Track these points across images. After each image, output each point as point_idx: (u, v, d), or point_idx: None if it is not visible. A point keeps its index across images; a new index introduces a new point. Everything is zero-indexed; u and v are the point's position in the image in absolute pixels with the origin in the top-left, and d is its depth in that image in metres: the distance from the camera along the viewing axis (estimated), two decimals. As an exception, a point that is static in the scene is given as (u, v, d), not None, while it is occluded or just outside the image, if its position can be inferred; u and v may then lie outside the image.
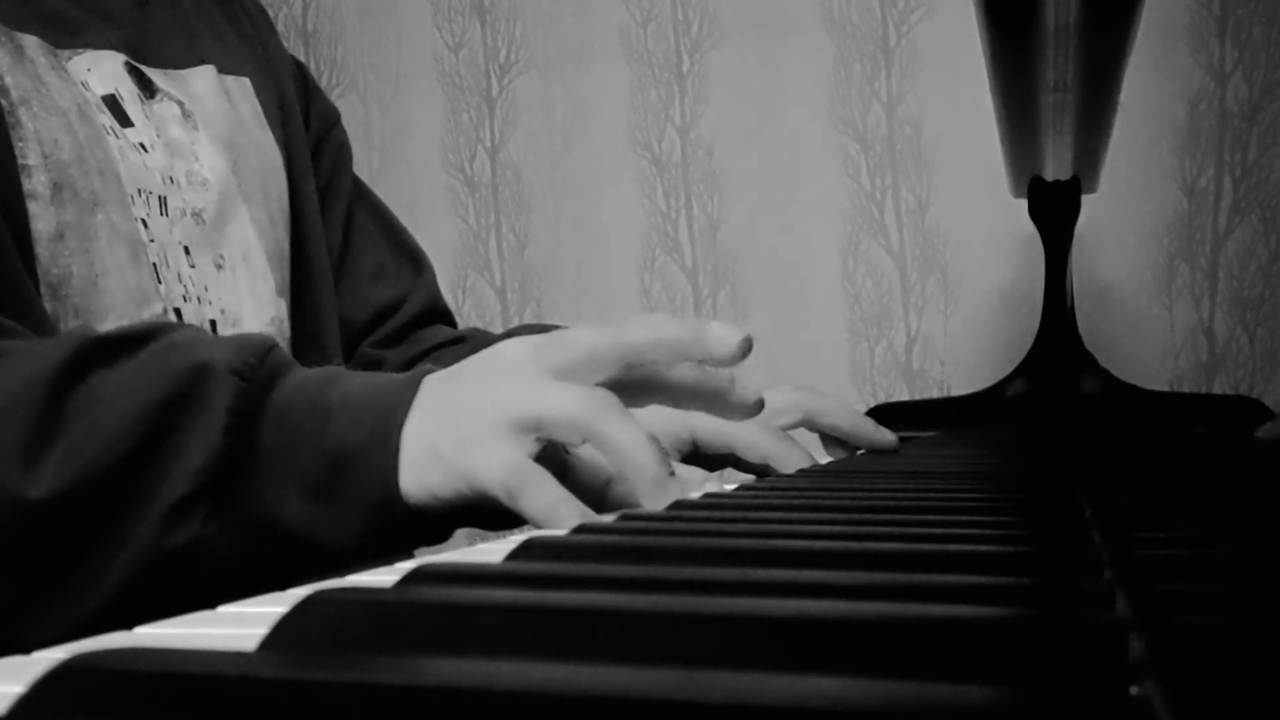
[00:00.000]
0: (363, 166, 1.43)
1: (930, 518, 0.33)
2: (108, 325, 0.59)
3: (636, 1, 1.33)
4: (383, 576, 0.27)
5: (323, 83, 1.45)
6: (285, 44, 1.45)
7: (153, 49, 0.69)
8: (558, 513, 0.41)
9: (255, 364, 0.45)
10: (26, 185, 0.57)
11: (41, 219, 0.58)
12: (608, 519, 0.36)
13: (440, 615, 0.19)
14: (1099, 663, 0.16)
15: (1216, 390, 1.15)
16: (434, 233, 1.42)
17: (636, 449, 0.42)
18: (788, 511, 0.37)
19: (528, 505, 0.42)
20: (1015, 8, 0.62)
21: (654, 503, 0.42)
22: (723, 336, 0.46)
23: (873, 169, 1.25)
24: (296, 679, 0.14)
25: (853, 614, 0.17)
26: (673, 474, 0.43)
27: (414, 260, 0.88)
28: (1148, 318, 1.17)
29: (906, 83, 1.24)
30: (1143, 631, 0.16)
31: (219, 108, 0.72)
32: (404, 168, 1.43)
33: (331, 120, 0.86)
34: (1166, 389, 1.12)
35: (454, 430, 0.44)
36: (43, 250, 0.58)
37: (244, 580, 0.45)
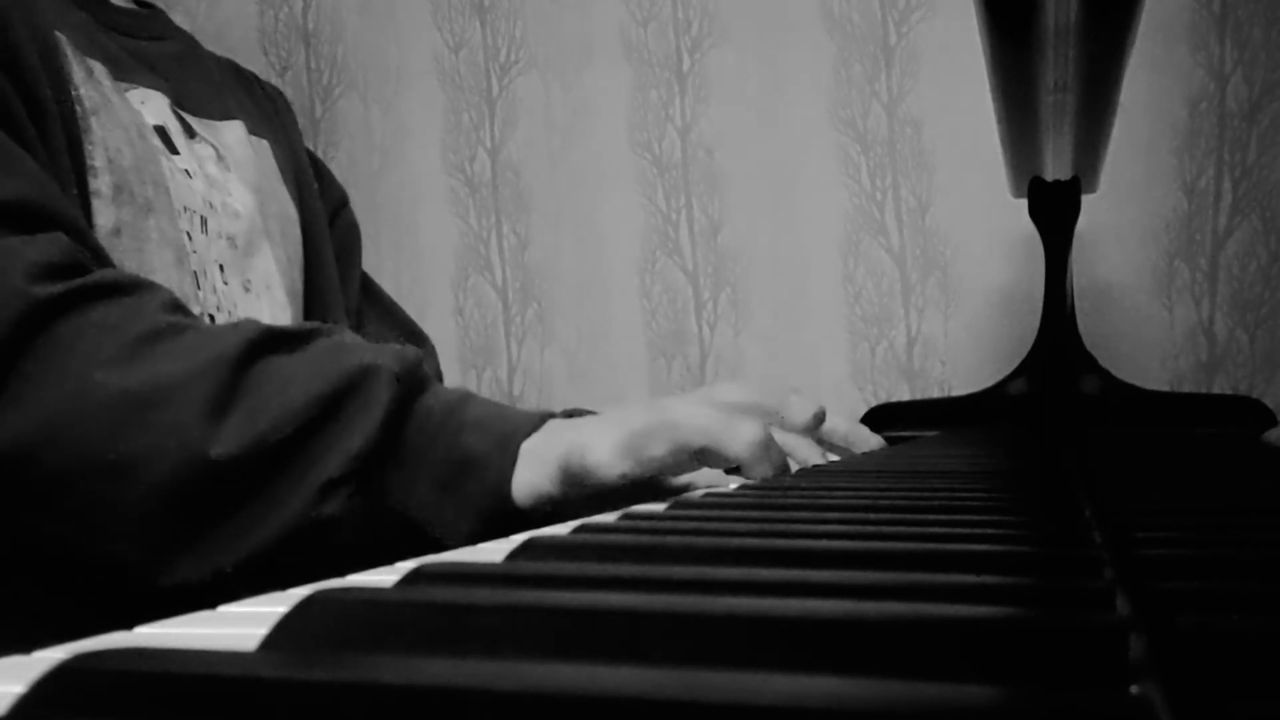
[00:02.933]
0: (363, 167, 1.44)
1: (931, 517, 0.33)
2: None
3: (636, 1, 1.33)
4: (383, 576, 0.27)
5: (323, 82, 1.45)
6: (285, 44, 1.45)
7: (190, 100, 0.76)
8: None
9: (409, 373, 0.53)
10: (92, 184, 0.63)
11: (103, 215, 0.63)
12: (609, 518, 0.36)
13: (440, 615, 0.19)
14: (1099, 663, 0.16)
15: (1216, 390, 1.15)
16: (434, 233, 1.42)
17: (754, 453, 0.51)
18: (788, 511, 0.37)
19: (655, 450, 0.50)
20: (1015, 8, 0.62)
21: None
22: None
23: (873, 169, 1.25)
24: (297, 679, 0.14)
25: (853, 614, 0.17)
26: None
27: (416, 336, 0.93)
28: (1148, 318, 1.17)
29: (907, 83, 1.24)
30: (1143, 632, 0.16)
31: (246, 157, 0.78)
32: (404, 168, 1.43)
33: (342, 201, 0.94)
34: (1166, 389, 1.12)
35: (571, 442, 0.51)
36: (102, 243, 0.62)
37: (361, 557, 0.52)
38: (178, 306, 0.55)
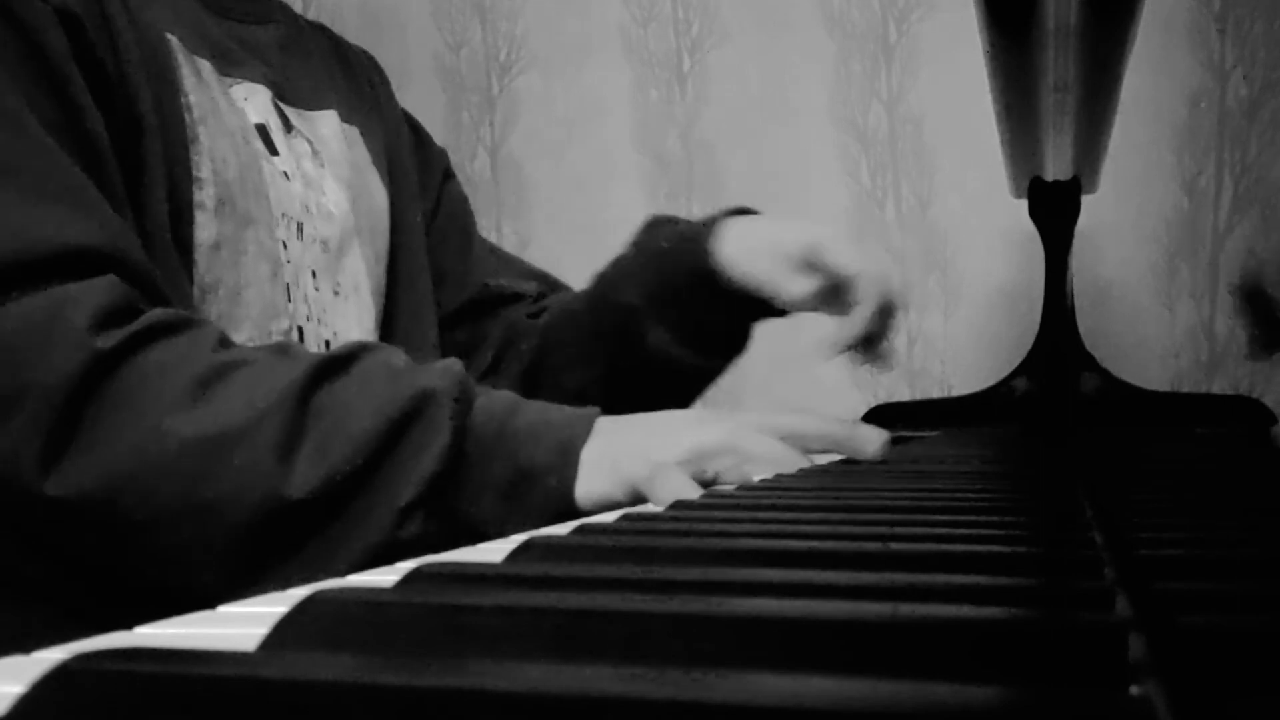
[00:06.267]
0: (363, 166, 1.43)
1: (931, 518, 0.33)
2: (243, 334, 0.66)
3: (637, 1, 1.33)
4: (383, 576, 0.27)
5: (323, 82, 1.45)
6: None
7: (290, 89, 0.75)
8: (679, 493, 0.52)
9: (462, 391, 0.54)
10: (197, 196, 0.63)
11: (204, 229, 0.63)
12: (609, 519, 0.36)
13: (440, 616, 0.19)
14: (1099, 663, 0.16)
15: (1216, 390, 1.15)
16: (434, 232, 1.42)
17: (784, 457, 0.53)
18: (788, 512, 0.37)
19: (656, 490, 0.50)
20: (1015, 8, 0.62)
21: None
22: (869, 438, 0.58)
23: (873, 168, 1.25)
24: (297, 679, 0.14)
25: (853, 614, 0.17)
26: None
27: (548, 280, 0.96)
28: (1148, 318, 1.17)
29: (907, 81, 1.24)
30: (1143, 632, 0.16)
31: (340, 151, 0.78)
32: (404, 167, 1.43)
33: (446, 165, 0.95)
34: (1166, 389, 1.12)
35: (624, 459, 0.53)
36: (200, 258, 0.63)
37: None
38: (224, 341, 0.56)
